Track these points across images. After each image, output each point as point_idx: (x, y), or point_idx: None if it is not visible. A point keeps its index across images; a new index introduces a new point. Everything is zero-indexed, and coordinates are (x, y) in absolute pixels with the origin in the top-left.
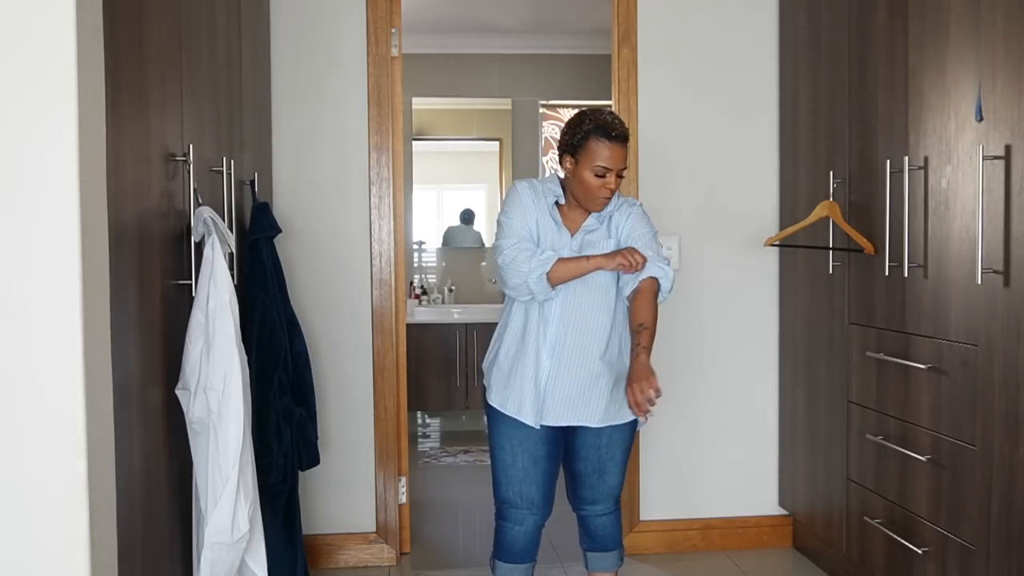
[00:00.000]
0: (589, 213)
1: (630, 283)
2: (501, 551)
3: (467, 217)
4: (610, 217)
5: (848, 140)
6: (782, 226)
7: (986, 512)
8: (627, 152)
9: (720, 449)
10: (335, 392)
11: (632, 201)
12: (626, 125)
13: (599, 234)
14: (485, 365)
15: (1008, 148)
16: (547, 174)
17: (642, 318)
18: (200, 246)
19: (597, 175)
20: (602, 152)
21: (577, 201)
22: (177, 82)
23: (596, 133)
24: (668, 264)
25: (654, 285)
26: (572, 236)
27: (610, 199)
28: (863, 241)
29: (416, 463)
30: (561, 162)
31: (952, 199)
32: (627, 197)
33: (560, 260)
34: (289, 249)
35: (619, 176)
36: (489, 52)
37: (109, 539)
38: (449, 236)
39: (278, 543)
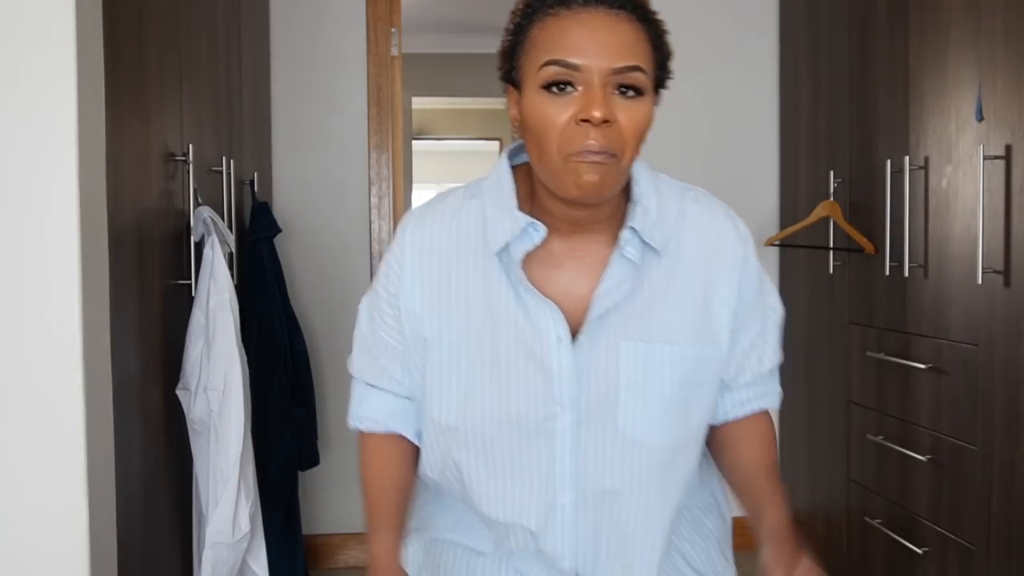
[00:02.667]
0: (615, 231)
1: (729, 410)
2: None
3: None
4: (667, 250)
5: (848, 140)
6: (782, 226)
7: (986, 512)
8: (643, 36)
9: None
10: (335, 392)
11: (711, 204)
12: None
13: (652, 304)
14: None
15: (1008, 148)
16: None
17: (769, 491)
18: (200, 246)
19: (550, 90)
20: (561, 32)
21: (550, 197)
22: (177, 82)
23: (550, 1)
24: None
25: (768, 421)
26: (580, 328)
27: (616, 169)
28: (863, 241)
29: None
30: (510, 113)
31: (952, 199)
32: (694, 189)
33: (392, 471)
34: (289, 249)
35: (628, 92)
36: (489, 52)
37: (109, 539)
38: None
39: (278, 543)
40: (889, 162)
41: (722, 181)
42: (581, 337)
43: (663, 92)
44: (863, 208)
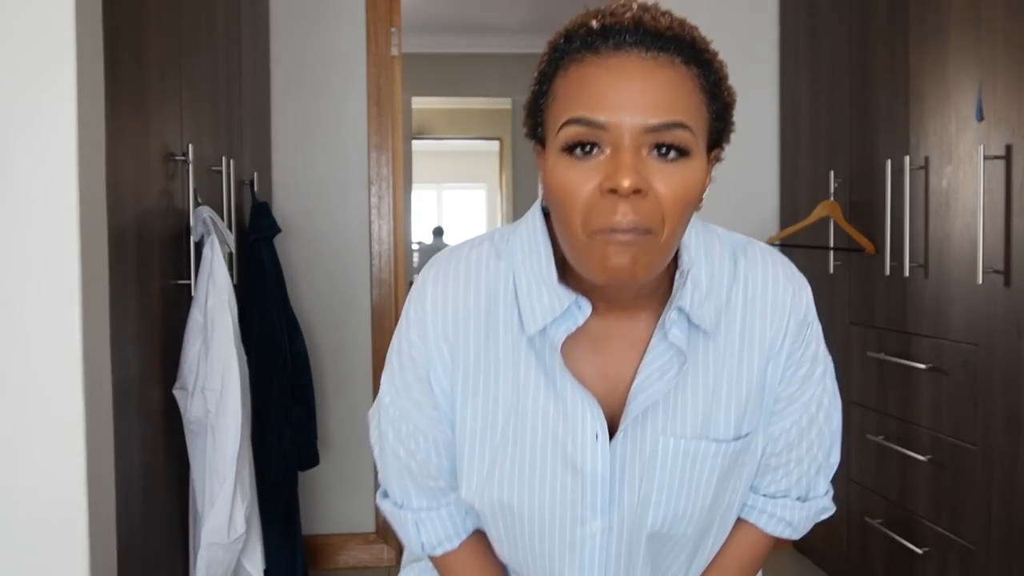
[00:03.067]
0: (661, 305)
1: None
2: None
3: (439, 232)
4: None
5: (848, 140)
6: (782, 226)
7: (987, 512)
8: (692, 83)
9: None
10: (335, 392)
11: (769, 267)
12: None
13: (688, 390)
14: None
15: (1009, 148)
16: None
17: None
18: (199, 246)
19: (573, 152)
20: (584, 83)
21: (580, 272)
22: (176, 82)
23: (576, 44)
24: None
25: (768, 540)
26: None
27: (654, 247)
28: (864, 241)
29: None
30: (541, 177)
31: (953, 199)
32: (753, 245)
33: (464, 551)
34: (289, 249)
35: (669, 154)
36: (489, 52)
37: (108, 539)
38: (424, 254)
39: (277, 543)
40: (889, 162)
41: (722, 181)
42: (618, 435)
43: (727, 147)
44: (863, 208)
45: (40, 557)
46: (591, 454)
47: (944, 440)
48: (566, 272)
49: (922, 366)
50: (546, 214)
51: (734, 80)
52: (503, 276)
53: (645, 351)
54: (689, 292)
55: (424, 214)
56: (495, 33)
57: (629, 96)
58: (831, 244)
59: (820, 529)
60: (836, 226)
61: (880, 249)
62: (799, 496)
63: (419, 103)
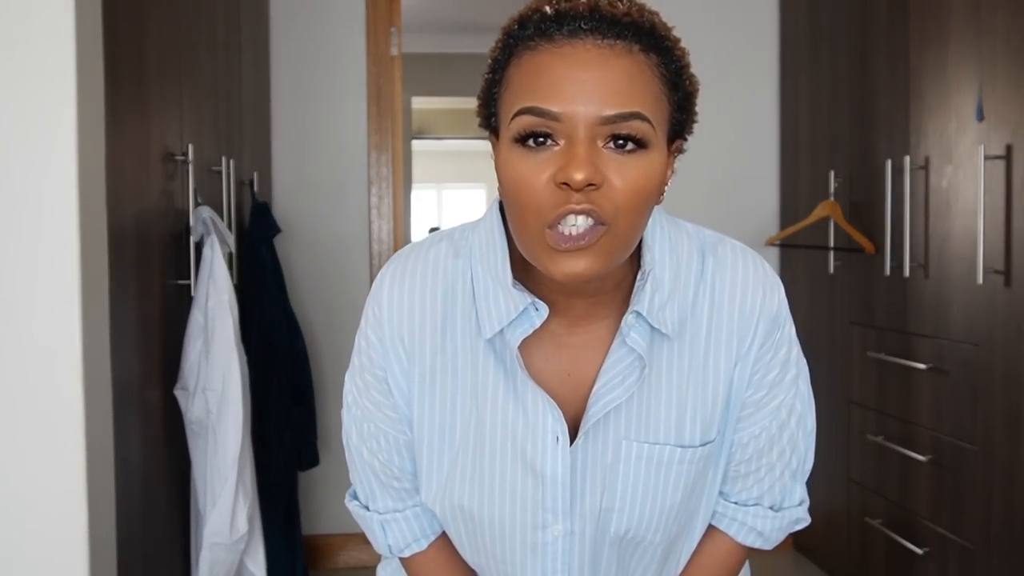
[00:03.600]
0: (625, 301)
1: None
2: None
3: (434, 232)
4: (672, 331)
5: (848, 140)
6: (782, 226)
7: (987, 512)
8: (651, 72)
9: None
10: (335, 392)
11: (739, 265)
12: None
13: (652, 391)
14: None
15: (1009, 148)
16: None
17: None
18: (199, 246)
19: (525, 144)
20: (537, 71)
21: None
22: (176, 82)
23: (530, 31)
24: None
25: (741, 549)
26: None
27: (610, 243)
28: (864, 241)
29: None
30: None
31: (953, 199)
32: (724, 243)
33: (432, 553)
34: (289, 249)
35: (626, 145)
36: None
37: (108, 539)
38: None
39: (277, 543)
40: (889, 162)
41: (722, 181)
42: (579, 439)
43: (690, 139)
44: (863, 208)
45: (40, 557)
46: (551, 457)
47: (944, 440)
48: (526, 269)
49: (922, 366)
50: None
51: (734, 80)
52: (460, 275)
53: (606, 354)
54: (648, 295)
55: (424, 214)
56: (495, 33)
57: (583, 86)
58: (831, 244)
59: (820, 529)
60: (836, 226)
61: (880, 249)
62: (772, 505)
63: (419, 103)
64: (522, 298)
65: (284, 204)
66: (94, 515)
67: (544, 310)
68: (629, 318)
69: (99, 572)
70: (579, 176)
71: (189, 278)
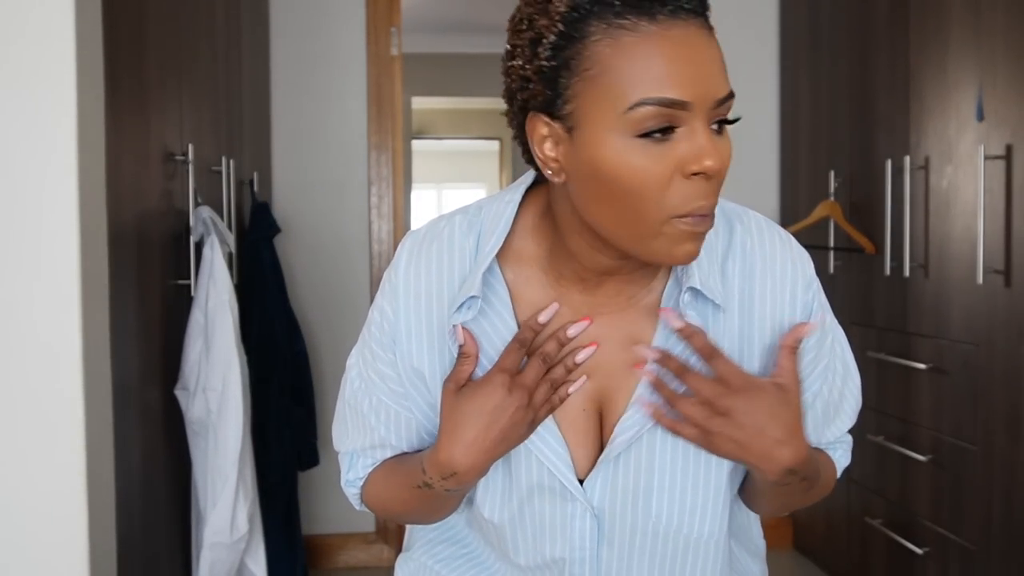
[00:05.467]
0: (650, 276)
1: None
2: None
3: None
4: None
5: (848, 140)
6: (782, 226)
7: (987, 512)
8: (717, 44)
9: None
10: (335, 392)
11: (767, 235)
12: None
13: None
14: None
15: (1009, 148)
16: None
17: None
18: (200, 246)
19: (652, 136)
20: (656, 57)
21: (586, 243)
22: (176, 82)
23: (618, 8)
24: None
25: (828, 462)
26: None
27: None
28: (864, 241)
29: None
30: (525, 140)
31: (953, 199)
32: (747, 214)
33: (388, 466)
34: (289, 249)
35: (720, 127)
36: (489, 52)
37: (108, 539)
38: None
39: (277, 543)
40: (889, 162)
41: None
42: (615, 443)
43: None
44: (863, 208)
45: (41, 557)
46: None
47: (944, 440)
48: (552, 249)
49: (922, 366)
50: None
51: (734, 80)
52: (470, 253)
53: (653, 339)
54: (698, 268)
55: (424, 214)
56: (495, 33)
57: (701, 69)
58: (831, 244)
59: (820, 529)
60: (836, 226)
61: (880, 249)
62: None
63: (419, 103)
64: (477, 286)
65: (284, 204)
66: (94, 515)
67: (475, 309)
68: (685, 296)
69: (99, 572)
70: (716, 165)
71: (189, 278)
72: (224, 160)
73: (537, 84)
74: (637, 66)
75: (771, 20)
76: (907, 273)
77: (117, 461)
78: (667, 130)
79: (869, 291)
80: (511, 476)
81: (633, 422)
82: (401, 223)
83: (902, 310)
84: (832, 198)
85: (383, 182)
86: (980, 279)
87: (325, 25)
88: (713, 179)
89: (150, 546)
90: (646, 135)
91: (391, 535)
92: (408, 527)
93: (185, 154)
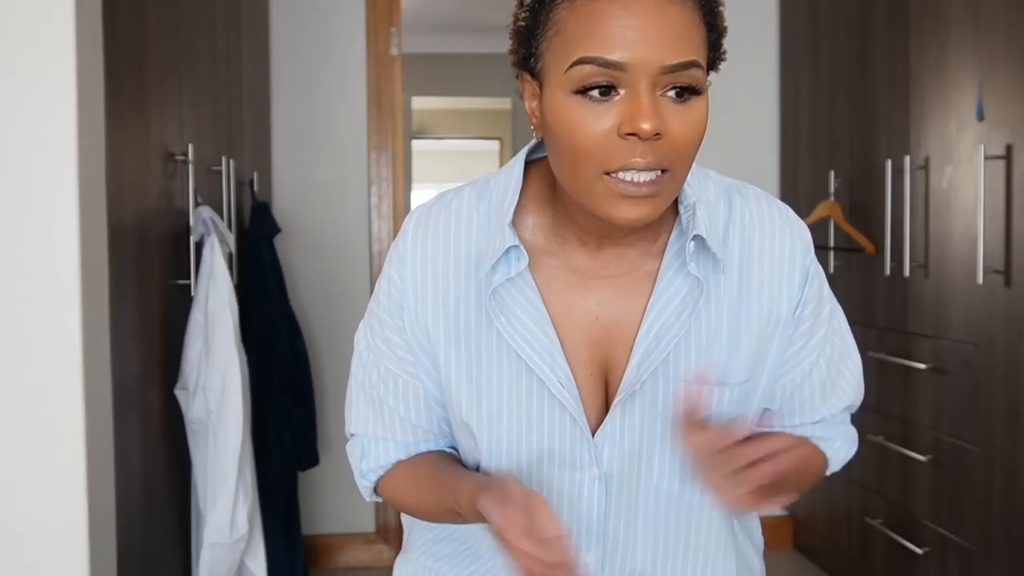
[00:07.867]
0: (655, 238)
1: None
2: None
3: None
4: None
5: (848, 140)
6: None
7: (987, 512)
8: (698, 18)
9: None
10: (335, 392)
11: (765, 205)
12: None
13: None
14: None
15: (1009, 148)
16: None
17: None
18: (200, 246)
19: (587, 94)
20: (597, 19)
21: (578, 206)
22: (176, 82)
23: None
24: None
25: (817, 456)
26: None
27: (669, 188)
28: (864, 241)
29: None
30: (528, 106)
31: (953, 199)
32: (746, 187)
33: (418, 471)
34: (289, 249)
35: (683, 94)
36: (489, 52)
37: (109, 539)
38: None
39: (277, 543)
40: (889, 162)
41: None
42: (624, 391)
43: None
44: (863, 208)
45: (41, 557)
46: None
47: (944, 440)
48: (555, 212)
49: (922, 366)
50: (528, 161)
51: (734, 80)
52: (482, 220)
53: (651, 295)
54: (703, 221)
55: None
56: (495, 33)
57: (646, 34)
58: (831, 244)
59: (820, 529)
60: (836, 226)
61: (880, 249)
62: (848, 406)
63: (419, 103)
64: (511, 236)
65: (284, 204)
66: (94, 515)
67: (524, 258)
68: (690, 245)
69: (99, 572)
70: (647, 127)
71: (189, 278)
72: (224, 160)
73: (516, 43)
74: (581, 27)
75: (771, 20)
76: (907, 273)
77: (117, 461)
78: (607, 90)
79: (869, 291)
80: (521, 444)
81: (635, 378)
82: (401, 223)
83: (902, 310)
84: (832, 198)
85: (383, 182)
86: (980, 279)
87: (325, 25)
88: (657, 143)
89: (150, 546)
90: (583, 92)
91: (391, 535)
92: (407, 528)
93: (185, 154)
